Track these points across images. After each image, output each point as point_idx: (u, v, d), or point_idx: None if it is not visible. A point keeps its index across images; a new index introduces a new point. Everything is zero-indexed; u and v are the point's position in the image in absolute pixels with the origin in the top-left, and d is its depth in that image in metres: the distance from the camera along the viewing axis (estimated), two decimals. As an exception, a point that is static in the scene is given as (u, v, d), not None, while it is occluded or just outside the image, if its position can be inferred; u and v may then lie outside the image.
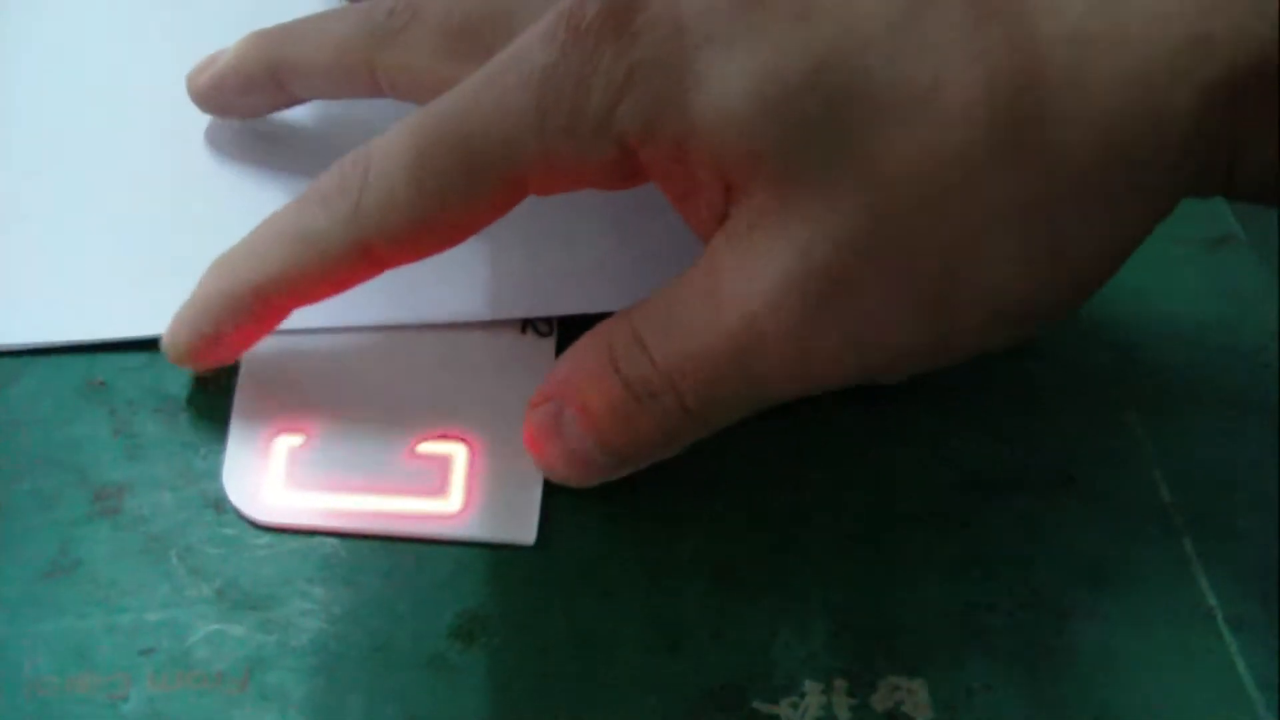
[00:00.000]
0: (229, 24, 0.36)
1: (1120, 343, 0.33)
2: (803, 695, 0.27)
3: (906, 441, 0.31)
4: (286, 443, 0.29)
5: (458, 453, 0.29)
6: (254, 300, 0.28)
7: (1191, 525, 0.30)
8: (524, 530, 0.28)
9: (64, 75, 0.35)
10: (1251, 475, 0.31)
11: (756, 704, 0.27)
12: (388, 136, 0.27)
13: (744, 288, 0.25)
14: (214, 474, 0.29)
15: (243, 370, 0.30)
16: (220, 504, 0.29)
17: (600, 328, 0.28)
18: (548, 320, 0.31)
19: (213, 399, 0.30)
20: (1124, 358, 0.33)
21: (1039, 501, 0.30)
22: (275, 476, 0.29)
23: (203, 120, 0.34)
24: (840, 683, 0.27)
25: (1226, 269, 0.35)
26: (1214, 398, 0.33)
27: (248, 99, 0.33)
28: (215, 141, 0.34)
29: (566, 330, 0.31)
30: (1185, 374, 0.33)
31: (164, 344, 0.28)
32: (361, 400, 0.30)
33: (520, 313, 0.31)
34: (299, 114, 0.35)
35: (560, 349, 0.31)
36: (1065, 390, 0.32)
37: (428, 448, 0.29)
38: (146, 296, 0.31)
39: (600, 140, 0.25)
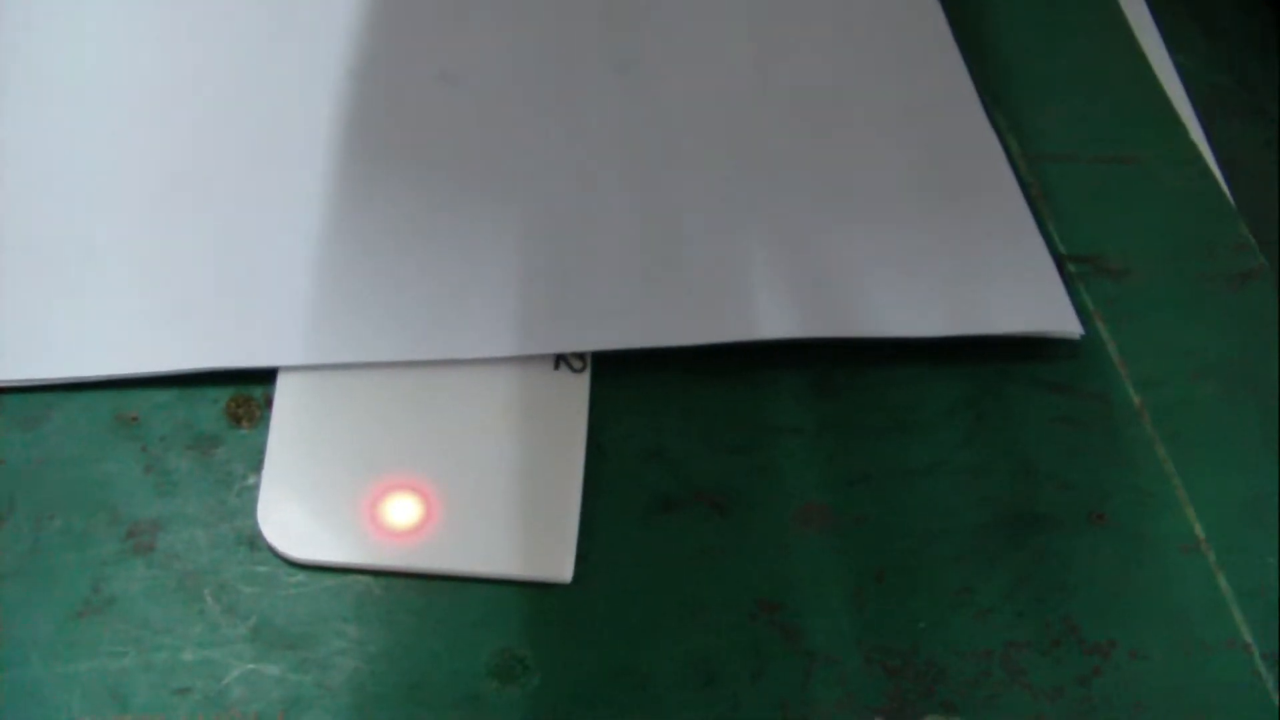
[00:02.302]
0: (256, 69, 0.36)
1: (1149, 379, 0.33)
2: (841, 734, 0.27)
3: (938, 480, 0.31)
4: (321, 479, 0.29)
5: (493, 489, 0.29)
6: None
7: (1226, 562, 0.30)
8: (561, 568, 0.28)
9: (94, 114, 0.35)
10: (1284, 511, 0.31)
11: (797, 744, 0.27)
12: None
13: None
14: (247, 511, 0.29)
15: (276, 406, 0.30)
16: (254, 541, 0.28)
17: None
18: (581, 356, 0.31)
19: (245, 435, 0.30)
20: (1153, 394, 0.33)
21: (1072, 539, 0.30)
22: (310, 513, 0.28)
23: (231, 159, 0.34)
24: (879, 722, 0.27)
25: (1252, 304, 0.35)
26: (1244, 433, 0.33)
27: None
28: (242, 180, 0.34)
29: (600, 365, 0.31)
30: (1215, 410, 0.33)
31: None
32: (396, 436, 0.30)
33: (553, 348, 0.31)
34: (325, 159, 0.35)
35: (594, 384, 0.31)
36: (1096, 427, 0.32)
37: (463, 484, 0.29)
38: (177, 331, 0.31)
39: None
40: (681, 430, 0.31)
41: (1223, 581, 0.30)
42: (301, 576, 0.28)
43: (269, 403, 0.30)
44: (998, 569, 0.30)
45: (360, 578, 0.28)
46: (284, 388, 0.30)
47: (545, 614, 0.28)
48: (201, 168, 0.34)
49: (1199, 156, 0.39)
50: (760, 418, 0.32)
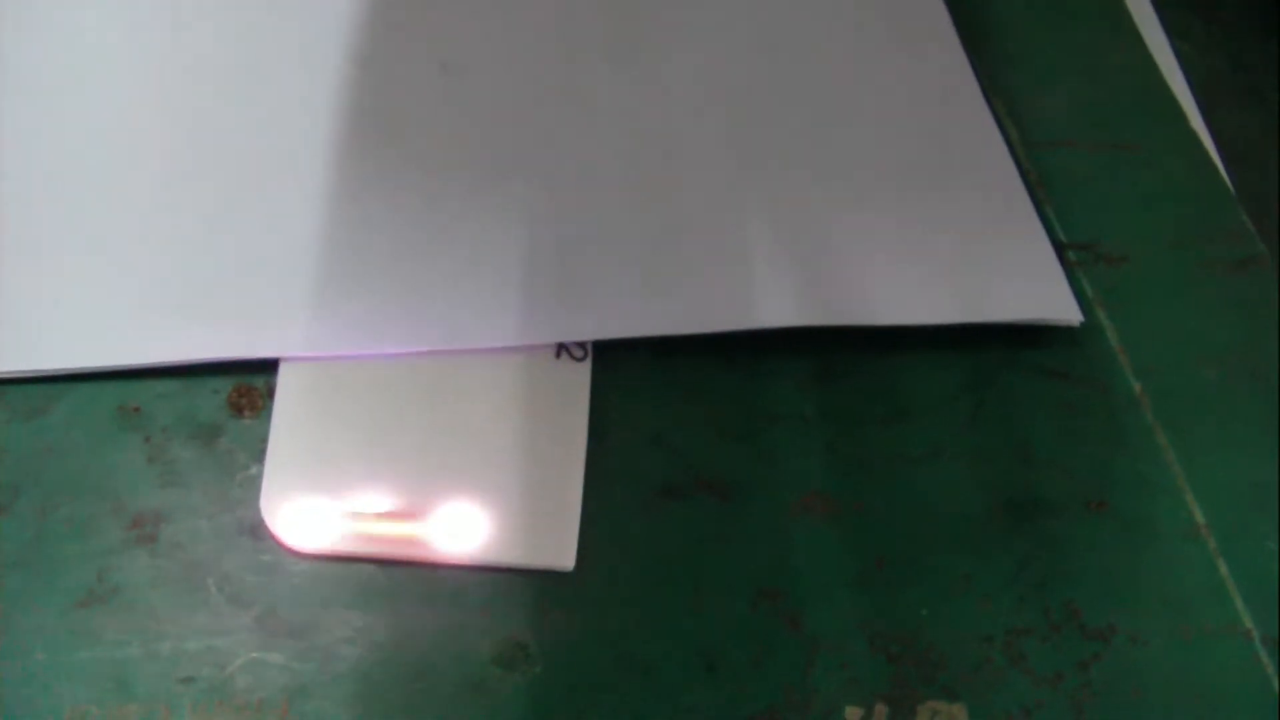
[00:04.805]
0: (259, 59, 0.36)
1: (1148, 366, 0.33)
2: (843, 720, 0.27)
3: (939, 467, 0.31)
4: (323, 468, 0.29)
5: (496, 478, 0.29)
6: None
7: (1226, 547, 0.30)
8: (563, 556, 0.28)
9: (96, 104, 0.35)
10: (1284, 497, 0.31)
11: (799, 730, 0.27)
12: None
13: None
14: (250, 500, 0.29)
15: (278, 396, 0.30)
16: (257, 530, 0.28)
17: None
18: (582, 345, 0.31)
19: (248, 425, 0.30)
20: (1153, 381, 0.33)
21: (1073, 525, 0.30)
22: (313, 502, 0.29)
23: (232, 150, 0.34)
24: (881, 708, 0.27)
25: (1252, 290, 0.35)
26: (1244, 419, 0.33)
27: None
28: (244, 171, 0.34)
29: (601, 354, 0.32)
30: (1214, 396, 0.33)
31: None
32: (398, 425, 0.30)
33: (555, 337, 0.31)
34: (327, 149, 0.35)
35: (595, 372, 0.31)
36: (1096, 414, 0.32)
37: (465, 472, 0.29)
38: (180, 322, 0.31)
39: None
40: (683, 418, 0.31)
41: (1223, 567, 0.30)
42: (304, 565, 0.28)
43: (271, 393, 0.30)
44: (998, 555, 0.30)
45: (363, 566, 0.28)
46: (286, 378, 0.30)
47: (548, 602, 0.28)
48: (202, 158, 0.34)
49: (1198, 143, 0.39)
50: (761, 405, 0.32)
